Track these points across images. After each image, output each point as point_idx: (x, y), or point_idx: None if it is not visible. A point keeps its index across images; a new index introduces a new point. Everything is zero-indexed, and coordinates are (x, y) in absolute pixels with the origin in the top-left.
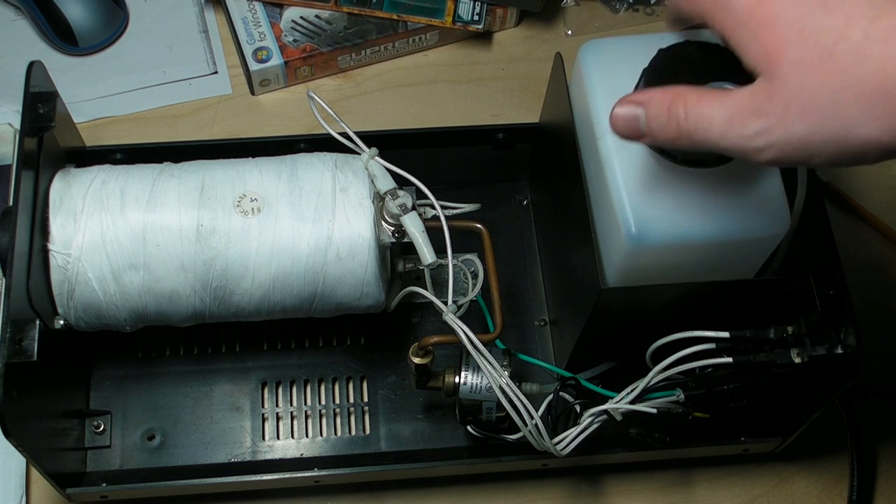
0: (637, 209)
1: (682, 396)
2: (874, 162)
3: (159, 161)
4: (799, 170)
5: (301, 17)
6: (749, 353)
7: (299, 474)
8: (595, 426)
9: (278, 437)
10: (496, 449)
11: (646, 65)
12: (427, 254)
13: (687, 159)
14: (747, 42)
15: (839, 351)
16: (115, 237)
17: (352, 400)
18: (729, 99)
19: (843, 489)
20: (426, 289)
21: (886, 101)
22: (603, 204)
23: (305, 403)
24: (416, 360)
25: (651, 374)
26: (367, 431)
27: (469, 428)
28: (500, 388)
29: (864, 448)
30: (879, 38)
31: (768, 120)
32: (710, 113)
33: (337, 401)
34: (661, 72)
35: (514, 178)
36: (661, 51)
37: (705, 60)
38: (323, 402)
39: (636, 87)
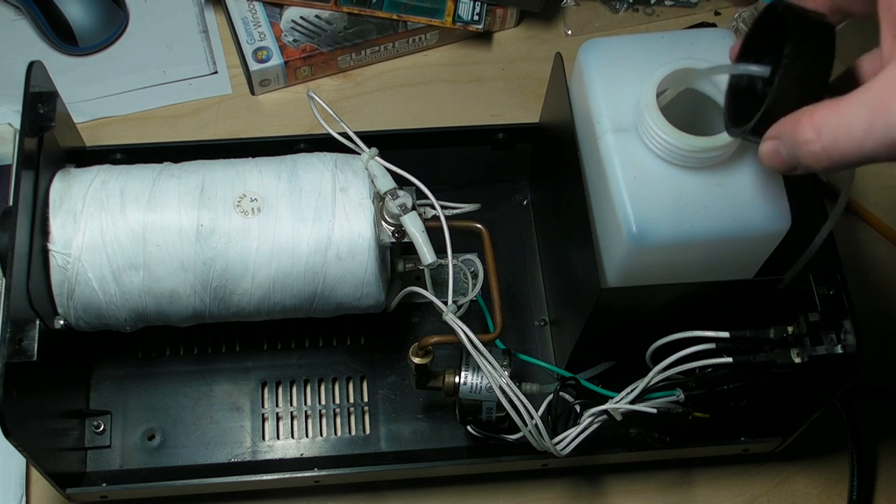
0: (637, 208)
1: (682, 396)
2: None
3: (159, 161)
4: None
5: (301, 17)
6: (749, 353)
7: (299, 474)
8: (595, 426)
9: (278, 437)
10: (496, 449)
11: (645, 64)
12: (427, 254)
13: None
14: (889, 24)
15: (839, 351)
16: (115, 237)
17: (352, 400)
18: (865, 95)
19: (843, 489)
20: (426, 289)
21: None
22: (603, 203)
23: (305, 403)
24: (416, 360)
25: (651, 374)
26: (367, 431)
27: (469, 428)
28: (500, 388)
29: (864, 448)
30: None
31: None
32: (847, 117)
33: (337, 401)
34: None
35: (514, 178)
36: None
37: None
38: (323, 402)
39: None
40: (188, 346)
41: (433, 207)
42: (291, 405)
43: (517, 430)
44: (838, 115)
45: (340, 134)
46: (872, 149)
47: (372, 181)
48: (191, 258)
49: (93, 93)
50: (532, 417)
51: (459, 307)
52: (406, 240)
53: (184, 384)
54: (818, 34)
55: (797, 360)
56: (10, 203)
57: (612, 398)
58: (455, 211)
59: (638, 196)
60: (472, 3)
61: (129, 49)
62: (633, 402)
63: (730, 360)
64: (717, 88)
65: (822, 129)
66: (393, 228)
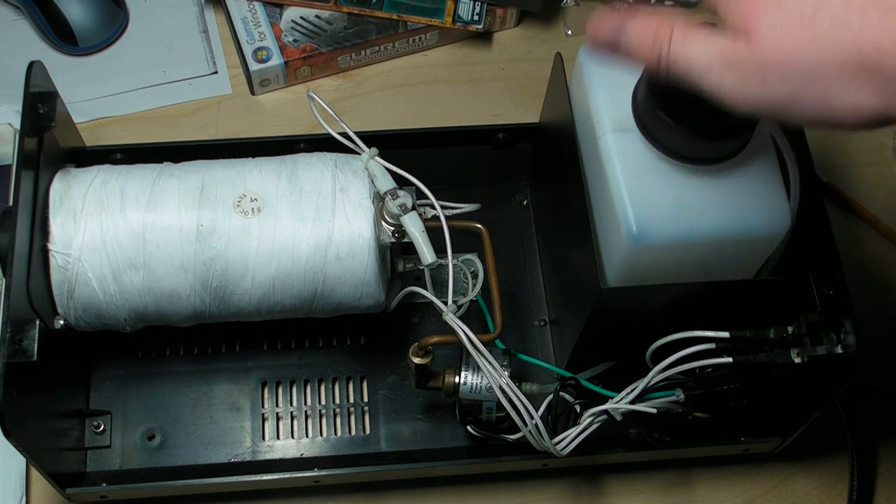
0: (637, 208)
1: (682, 396)
2: (853, 129)
3: (159, 161)
4: (791, 170)
5: (301, 17)
6: (749, 353)
7: (299, 474)
8: (595, 426)
9: (278, 437)
10: (496, 449)
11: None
12: (427, 254)
13: (691, 157)
14: (726, 1)
15: (839, 351)
16: (115, 237)
17: (352, 400)
18: (712, 42)
19: (843, 489)
20: (426, 289)
21: (863, 72)
22: (603, 203)
23: (305, 403)
24: (416, 360)
25: (651, 374)
26: (367, 431)
27: (469, 428)
28: (500, 388)
29: (864, 448)
30: (858, 8)
31: (745, 77)
32: (693, 51)
33: (337, 401)
34: None
35: (514, 178)
36: None
37: None
38: (323, 402)
39: None
40: (188, 346)
41: (433, 207)
42: (291, 405)
43: (517, 430)
44: (687, 44)
45: (340, 134)
46: (703, 91)
47: (372, 181)
48: (191, 258)
49: (93, 93)
50: (532, 417)
51: (459, 307)
52: (406, 240)
53: (184, 384)
54: None
55: (797, 360)
56: (10, 203)
57: (612, 398)
58: (455, 211)
59: (638, 196)
60: (472, 3)
61: (129, 49)
62: (633, 402)
63: (730, 360)
64: None
65: (675, 45)
66: (393, 228)
